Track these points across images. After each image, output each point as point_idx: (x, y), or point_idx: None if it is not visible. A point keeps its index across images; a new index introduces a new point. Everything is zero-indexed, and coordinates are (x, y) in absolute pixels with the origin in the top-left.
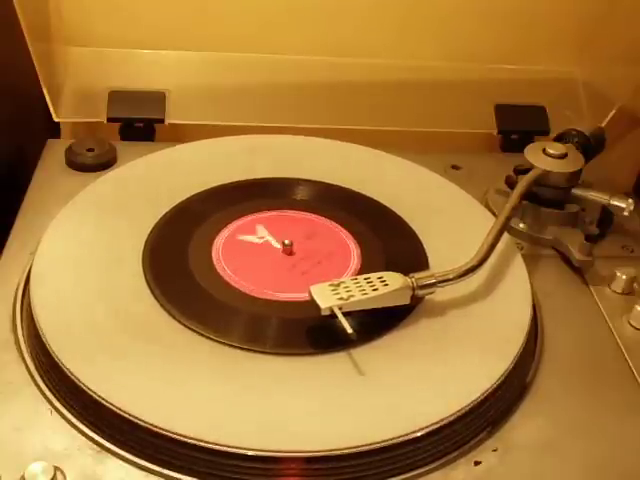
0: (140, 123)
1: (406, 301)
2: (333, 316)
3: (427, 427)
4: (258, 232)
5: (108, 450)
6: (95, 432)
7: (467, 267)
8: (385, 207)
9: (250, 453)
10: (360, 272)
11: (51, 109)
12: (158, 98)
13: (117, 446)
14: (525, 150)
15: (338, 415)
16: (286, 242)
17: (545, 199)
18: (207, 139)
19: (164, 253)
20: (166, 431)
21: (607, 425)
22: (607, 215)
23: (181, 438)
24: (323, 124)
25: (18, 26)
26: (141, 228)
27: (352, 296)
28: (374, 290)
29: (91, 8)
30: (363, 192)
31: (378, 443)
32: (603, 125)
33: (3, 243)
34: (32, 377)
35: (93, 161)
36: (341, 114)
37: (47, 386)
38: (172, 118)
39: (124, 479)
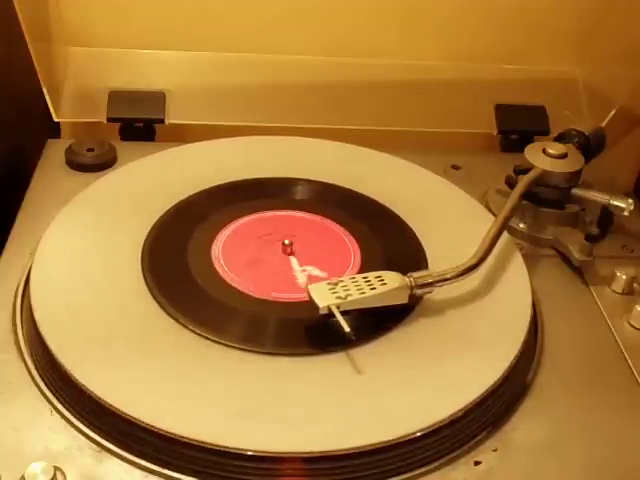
0: (140, 123)
1: (404, 300)
2: (331, 315)
3: (427, 427)
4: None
5: (108, 450)
6: (95, 432)
7: (465, 266)
8: (384, 207)
9: (249, 453)
10: (359, 272)
11: (51, 109)
12: (158, 98)
13: (117, 446)
14: (525, 150)
15: (337, 415)
16: (286, 242)
17: (545, 199)
18: (207, 140)
19: (164, 253)
20: (166, 431)
21: (607, 425)
22: (607, 215)
23: (181, 438)
24: (323, 124)
25: (18, 26)
26: (141, 228)
27: (350, 295)
28: (372, 289)
29: (91, 8)
30: (362, 192)
31: (378, 443)
32: (603, 125)
33: (3, 243)
34: (32, 377)
35: (93, 161)
36: (341, 114)
37: (47, 386)
38: (172, 118)
39: (124, 479)
